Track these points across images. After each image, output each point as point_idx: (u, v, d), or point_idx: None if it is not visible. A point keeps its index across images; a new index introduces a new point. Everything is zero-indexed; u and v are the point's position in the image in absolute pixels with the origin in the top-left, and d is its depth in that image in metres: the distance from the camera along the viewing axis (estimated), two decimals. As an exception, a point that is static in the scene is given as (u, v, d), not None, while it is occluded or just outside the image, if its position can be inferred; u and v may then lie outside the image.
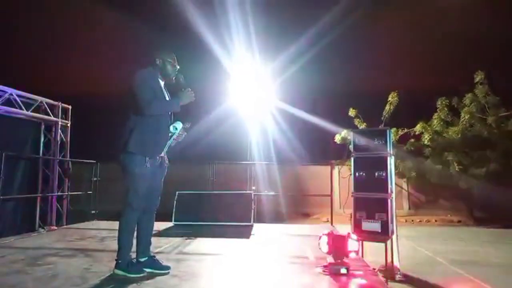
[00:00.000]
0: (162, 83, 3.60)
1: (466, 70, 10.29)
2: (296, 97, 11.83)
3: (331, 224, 7.37)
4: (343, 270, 3.40)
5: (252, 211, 6.80)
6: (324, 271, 3.51)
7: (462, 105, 10.30)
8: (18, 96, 6.29)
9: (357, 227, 4.72)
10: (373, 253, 4.43)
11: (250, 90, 11.24)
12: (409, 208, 10.61)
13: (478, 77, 9.97)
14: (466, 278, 3.91)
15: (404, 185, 10.96)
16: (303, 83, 12.69)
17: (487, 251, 5.57)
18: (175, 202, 7.02)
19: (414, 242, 5.92)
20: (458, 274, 4.06)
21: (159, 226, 6.37)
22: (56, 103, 7.22)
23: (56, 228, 6.52)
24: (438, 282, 3.65)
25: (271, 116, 12.17)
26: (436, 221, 9.68)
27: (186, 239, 5.41)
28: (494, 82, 9.89)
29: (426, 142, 10.27)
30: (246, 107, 11.41)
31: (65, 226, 6.82)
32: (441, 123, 10.34)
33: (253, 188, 9.53)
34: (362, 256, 4.29)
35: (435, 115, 10.45)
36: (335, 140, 10.42)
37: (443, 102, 10.40)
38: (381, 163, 4.80)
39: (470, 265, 4.49)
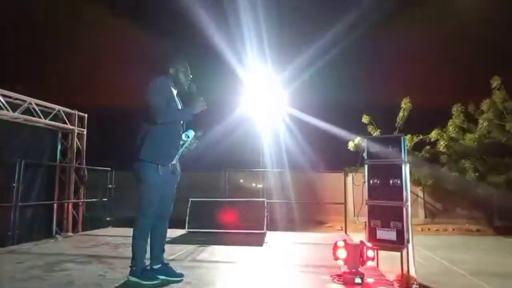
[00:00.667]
0: (175, 91, 3.65)
1: (483, 76, 10.11)
2: (309, 104, 11.81)
3: (345, 232, 7.27)
4: (358, 280, 3.34)
5: (265, 218, 6.77)
6: (338, 280, 3.46)
7: (479, 111, 10.11)
8: (37, 105, 6.47)
9: (371, 235, 4.63)
10: (388, 262, 4.34)
11: (263, 97, 11.28)
12: (425, 217, 10.37)
13: (495, 82, 9.77)
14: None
15: (420, 193, 10.74)
16: (316, 90, 12.68)
17: (508, 261, 5.39)
18: (188, 209, 7.05)
19: (430, 252, 5.78)
20: (476, 285, 3.94)
21: (172, 233, 6.40)
22: (72, 111, 7.39)
23: (72, 234, 6.62)
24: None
25: (284, 123, 12.16)
26: (453, 230, 9.43)
27: (200, 246, 5.42)
28: None
29: (441, 149, 10.08)
30: (259, 114, 11.44)
31: (80, 233, 6.91)
32: (457, 129, 10.16)
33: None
34: (377, 265, 4.21)
35: (451, 122, 10.28)
36: (349, 147, 10.34)
37: (459, 109, 10.23)
38: (396, 171, 4.71)
39: (490, 276, 4.36)
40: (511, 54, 11.66)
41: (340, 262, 3.58)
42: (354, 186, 10.26)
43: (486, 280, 4.12)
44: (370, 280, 3.46)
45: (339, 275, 3.51)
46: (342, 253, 3.53)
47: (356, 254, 3.47)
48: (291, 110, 11.74)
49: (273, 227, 7.85)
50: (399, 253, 4.14)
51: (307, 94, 12.12)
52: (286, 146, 11.81)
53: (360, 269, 3.48)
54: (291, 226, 8.61)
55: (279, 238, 6.49)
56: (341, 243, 3.56)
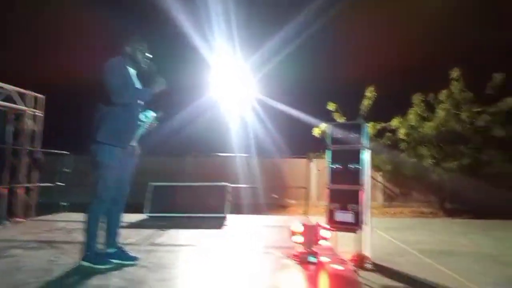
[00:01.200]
0: (132, 71, 3.53)
1: (443, 67, 10.50)
2: (277, 91, 11.83)
3: (307, 215, 7.43)
4: (313, 259, 3.43)
5: (227, 202, 6.77)
6: (294, 260, 3.54)
7: (438, 101, 10.54)
8: (-15, 84, 6.02)
9: (330, 218, 4.76)
10: (347, 243, 4.48)
11: (230, 83, 11.17)
12: (384, 200, 10.79)
13: (455, 73, 10.19)
14: (434, 267, 4.01)
15: (380, 178, 11.14)
16: (284, 78, 12.71)
17: (457, 241, 5.73)
18: (148, 193, 6.91)
19: (386, 233, 6.02)
20: (427, 264, 4.17)
21: (131, 218, 6.27)
22: (26, 92, 6.95)
23: (23, 220, 6.31)
24: (406, 270, 3.73)
25: (251, 109, 12.14)
26: (409, 212, 9.88)
27: (158, 230, 5.34)
28: (468, 78, 10.13)
29: (402, 136, 10.48)
30: (226, 100, 11.34)
31: (33, 218, 6.60)
32: (417, 118, 10.57)
33: (229, 186, 9.41)
34: (336, 246, 4.34)
35: (411, 110, 10.67)
36: (314, 134, 10.49)
37: (419, 98, 10.62)
38: (355, 156, 4.83)
39: (439, 254, 4.61)
40: (472, 45, 12.16)
41: (297, 242, 3.66)
42: (318, 171, 10.50)
43: (434, 258, 4.37)
44: (325, 259, 3.56)
45: (295, 255, 3.58)
46: (298, 234, 3.60)
47: (311, 235, 3.56)
48: (258, 96, 11.72)
49: (237, 211, 7.88)
50: (356, 235, 4.29)
51: (275, 80, 12.13)
52: (252, 131, 11.83)
53: (316, 249, 3.57)
54: (254, 210, 8.67)
55: (241, 221, 6.54)
56: (297, 225, 3.63)
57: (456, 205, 9.35)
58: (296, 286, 3.07)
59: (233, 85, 11.08)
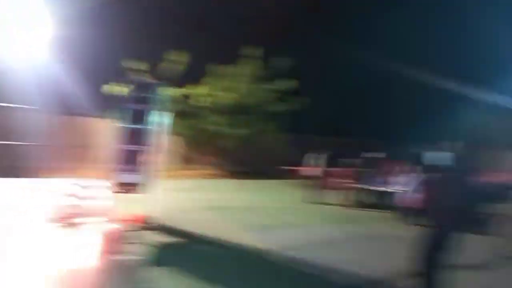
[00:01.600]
0: None
1: (248, 44, 11.48)
2: (73, 42, 10.13)
3: (89, 176, 6.85)
4: (82, 220, 3.22)
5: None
6: (62, 223, 3.23)
7: (236, 74, 11.69)
8: None
9: (115, 179, 4.59)
10: (133, 204, 4.42)
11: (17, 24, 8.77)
12: (180, 163, 11.21)
13: (253, 52, 11.42)
14: (209, 221, 4.51)
15: (177, 142, 11.48)
16: (82, 30, 10.99)
17: (232, 197, 6.68)
18: None
19: (177, 193, 6.29)
20: (204, 218, 4.64)
21: None
22: None
23: None
24: (184, 226, 4.04)
25: (40, 56, 9.96)
26: (201, 174, 10.70)
27: None
28: (266, 57, 11.55)
29: (201, 104, 11.19)
30: (9, 42, 8.87)
31: None
32: (216, 88, 11.45)
33: None
34: (118, 207, 4.20)
35: (212, 80, 11.45)
36: (107, 91, 9.70)
37: (220, 71, 11.49)
38: (145, 116, 4.80)
39: (216, 209, 5.25)
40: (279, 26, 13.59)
41: (69, 205, 3.36)
42: (110, 131, 9.79)
43: (211, 213, 4.97)
44: (96, 219, 3.38)
45: (63, 218, 3.28)
46: (72, 196, 3.32)
47: (85, 196, 3.33)
48: (54, 48, 9.71)
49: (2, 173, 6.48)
50: (143, 196, 4.29)
51: (73, 31, 10.34)
52: (37, 81, 9.77)
53: (93, 211, 3.36)
54: (24, 171, 7.32)
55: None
56: (69, 186, 3.33)
57: (239, 167, 10.76)
58: (60, 249, 2.81)
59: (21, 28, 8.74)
